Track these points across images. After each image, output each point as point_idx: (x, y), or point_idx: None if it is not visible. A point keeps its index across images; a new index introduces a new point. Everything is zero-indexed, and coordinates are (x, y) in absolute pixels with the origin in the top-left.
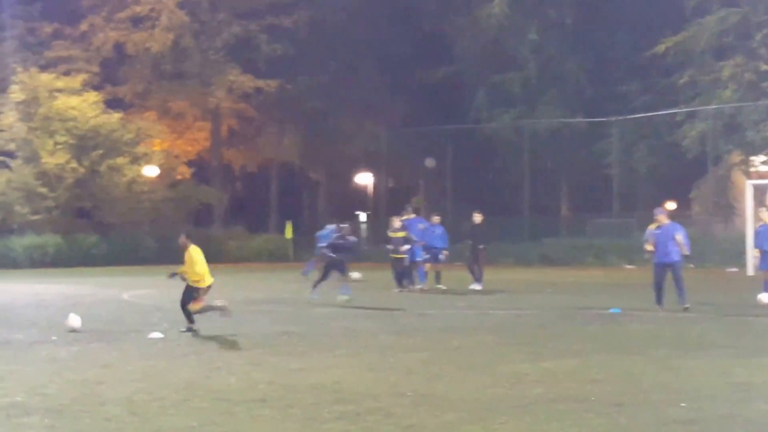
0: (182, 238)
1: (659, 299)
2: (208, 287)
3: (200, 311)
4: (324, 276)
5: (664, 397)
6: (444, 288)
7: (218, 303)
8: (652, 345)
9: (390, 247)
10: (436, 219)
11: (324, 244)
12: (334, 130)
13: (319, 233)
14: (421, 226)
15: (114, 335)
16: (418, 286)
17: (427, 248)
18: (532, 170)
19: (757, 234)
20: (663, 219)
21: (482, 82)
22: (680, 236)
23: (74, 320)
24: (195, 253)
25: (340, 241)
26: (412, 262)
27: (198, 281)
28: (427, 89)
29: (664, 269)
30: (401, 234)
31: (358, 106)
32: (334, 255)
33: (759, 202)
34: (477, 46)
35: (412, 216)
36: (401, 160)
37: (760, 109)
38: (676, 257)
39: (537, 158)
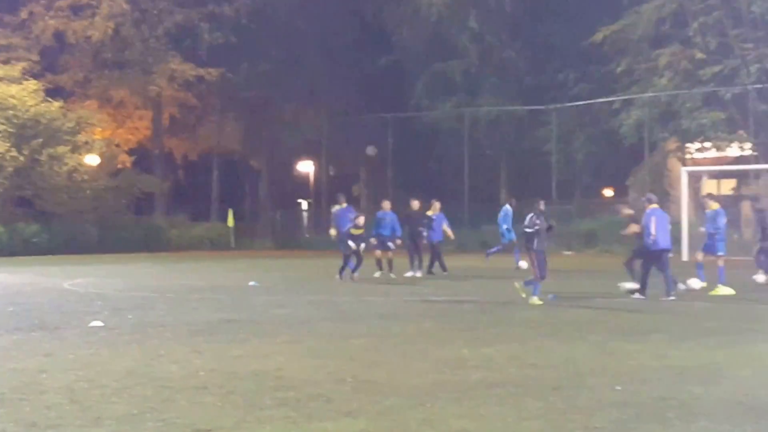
0: None
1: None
2: None
3: None
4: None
5: (600, 380)
6: (394, 276)
7: None
8: (590, 330)
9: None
10: (386, 205)
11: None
12: (275, 118)
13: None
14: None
15: (55, 324)
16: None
17: (377, 236)
18: (472, 158)
19: (706, 219)
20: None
21: (423, 70)
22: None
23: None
24: None
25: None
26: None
27: None
28: (368, 78)
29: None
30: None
31: (299, 94)
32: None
33: (694, 189)
34: (418, 35)
35: (344, 206)
36: (342, 148)
37: (696, 97)
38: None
39: (477, 146)
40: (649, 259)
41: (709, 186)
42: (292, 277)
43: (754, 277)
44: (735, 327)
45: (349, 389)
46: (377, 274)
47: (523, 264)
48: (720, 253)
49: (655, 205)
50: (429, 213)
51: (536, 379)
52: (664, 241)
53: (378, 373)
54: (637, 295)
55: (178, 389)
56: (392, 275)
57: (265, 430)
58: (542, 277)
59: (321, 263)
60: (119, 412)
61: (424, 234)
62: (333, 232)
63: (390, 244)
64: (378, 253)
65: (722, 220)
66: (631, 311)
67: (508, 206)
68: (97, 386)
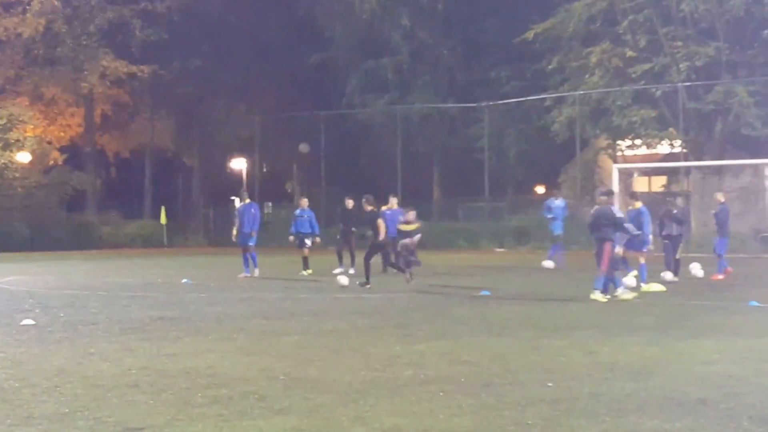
0: None
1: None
2: None
3: None
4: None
5: (531, 377)
6: (307, 273)
7: None
8: (521, 326)
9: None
10: (304, 203)
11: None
12: (207, 115)
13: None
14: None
15: None
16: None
17: (295, 234)
18: (404, 155)
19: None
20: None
21: (355, 67)
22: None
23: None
24: None
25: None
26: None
27: None
28: (300, 75)
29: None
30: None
31: (231, 91)
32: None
33: (625, 185)
34: (350, 32)
35: (247, 201)
36: (275, 145)
37: (626, 95)
38: None
39: (410, 143)
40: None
41: (639, 183)
42: (225, 275)
43: (662, 274)
44: (663, 323)
45: (281, 387)
46: (305, 273)
47: (549, 263)
48: (643, 251)
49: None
50: (384, 208)
51: (468, 375)
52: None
53: (310, 371)
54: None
55: (109, 387)
56: (305, 272)
57: (196, 428)
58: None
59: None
60: (50, 410)
61: (368, 234)
62: (235, 231)
63: (307, 241)
64: (306, 250)
65: (646, 219)
66: (561, 307)
67: (559, 200)
68: (28, 385)
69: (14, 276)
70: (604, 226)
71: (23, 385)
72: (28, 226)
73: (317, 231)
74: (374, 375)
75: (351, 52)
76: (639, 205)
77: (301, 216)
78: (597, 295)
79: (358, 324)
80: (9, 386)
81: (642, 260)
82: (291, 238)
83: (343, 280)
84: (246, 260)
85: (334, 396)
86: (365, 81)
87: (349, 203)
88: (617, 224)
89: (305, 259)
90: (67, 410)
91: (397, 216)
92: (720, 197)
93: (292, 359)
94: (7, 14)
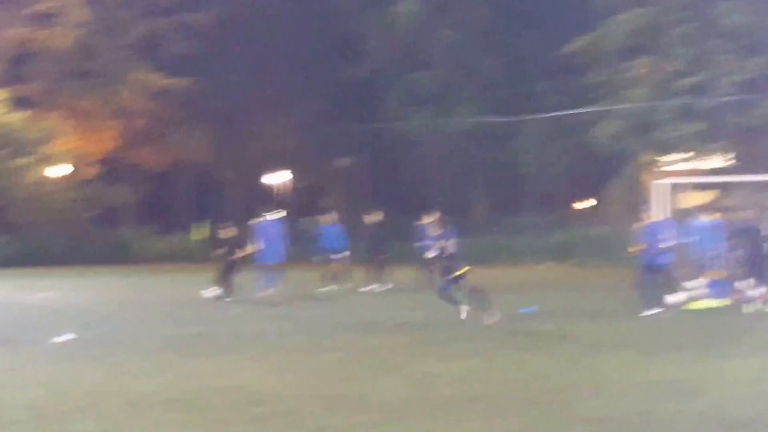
0: None
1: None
2: None
3: None
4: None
5: (574, 396)
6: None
7: None
8: (564, 344)
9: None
10: (332, 218)
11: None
12: (244, 129)
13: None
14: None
15: (19, 338)
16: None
17: (322, 249)
18: (446, 169)
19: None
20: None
21: (395, 81)
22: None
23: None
24: None
25: None
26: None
27: None
28: (339, 88)
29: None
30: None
31: (269, 105)
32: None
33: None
34: (390, 46)
35: (274, 218)
36: (313, 158)
37: (671, 109)
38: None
39: (451, 157)
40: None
41: (691, 198)
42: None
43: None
44: (705, 342)
45: (319, 405)
46: (335, 287)
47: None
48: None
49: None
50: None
51: (510, 394)
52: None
53: (350, 389)
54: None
55: (145, 406)
56: (324, 289)
57: None
58: None
59: (290, 276)
60: (84, 430)
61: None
62: (260, 245)
63: (334, 256)
64: (332, 266)
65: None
66: (603, 323)
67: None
68: (61, 403)
69: (48, 291)
70: None
71: (57, 403)
72: (63, 240)
73: (345, 245)
74: (413, 394)
75: (391, 65)
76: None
77: (328, 231)
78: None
79: (397, 341)
80: (42, 404)
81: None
82: (316, 257)
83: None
84: (270, 277)
85: (373, 415)
86: (405, 95)
87: (379, 217)
88: None
89: (334, 275)
90: (101, 430)
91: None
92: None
93: (331, 377)
94: (41, 27)
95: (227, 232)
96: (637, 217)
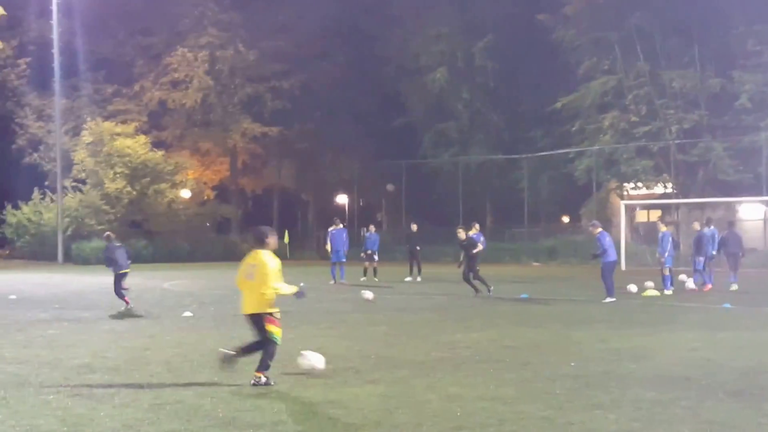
0: None
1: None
2: None
3: None
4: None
5: (558, 358)
6: (377, 280)
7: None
8: (551, 321)
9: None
10: (372, 228)
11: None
12: (319, 163)
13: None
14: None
15: (157, 314)
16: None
17: (365, 251)
18: (464, 193)
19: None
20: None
21: (428, 128)
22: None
23: (367, 294)
24: None
25: None
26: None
27: None
28: (388, 133)
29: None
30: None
31: (337, 146)
32: None
33: (630, 217)
34: (424, 102)
35: (340, 227)
36: (369, 185)
37: (630, 149)
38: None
39: (468, 184)
40: (606, 269)
41: (640, 215)
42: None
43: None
44: (654, 320)
45: (371, 363)
46: (362, 279)
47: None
48: (667, 265)
49: (600, 229)
50: (471, 233)
51: (511, 357)
52: (614, 255)
53: (393, 352)
54: (607, 299)
55: (245, 363)
56: (376, 279)
57: (310, 393)
58: None
59: (350, 270)
60: (203, 379)
61: (417, 249)
62: (328, 247)
63: (375, 256)
64: (366, 264)
65: (667, 240)
66: (580, 306)
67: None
68: (188, 360)
69: (178, 280)
70: None
71: (184, 360)
72: (188, 244)
73: (376, 248)
74: (441, 355)
75: (425, 116)
76: (664, 228)
77: (370, 238)
78: None
79: (429, 317)
80: (174, 361)
81: (666, 272)
82: (363, 254)
83: (368, 294)
84: (333, 271)
85: (411, 370)
86: (435, 138)
87: (414, 227)
88: None
89: (375, 269)
90: (216, 379)
91: (479, 239)
92: (696, 226)
93: (380, 343)
94: (175, 90)
95: None
96: (589, 229)
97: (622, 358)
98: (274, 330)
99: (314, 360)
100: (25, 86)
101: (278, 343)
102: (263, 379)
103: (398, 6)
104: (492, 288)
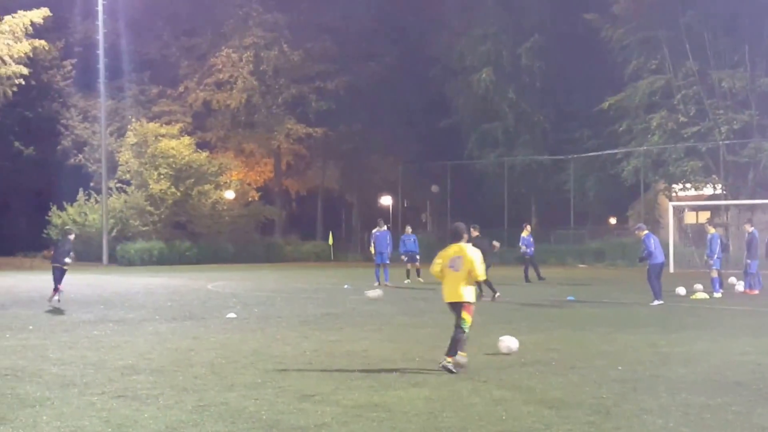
0: None
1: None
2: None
3: None
4: None
5: (606, 362)
6: (422, 281)
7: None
8: (597, 324)
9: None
10: (408, 230)
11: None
12: (363, 164)
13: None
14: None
15: (201, 315)
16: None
17: (405, 252)
18: (510, 194)
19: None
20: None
21: (474, 129)
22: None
23: (373, 293)
24: None
25: None
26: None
27: None
28: (433, 134)
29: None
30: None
31: (382, 147)
32: None
33: (678, 219)
34: (470, 103)
35: (384, 229)
36: (413, 186)
37: (679, 150)
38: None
39: (514, 186)
40: (652, 272)
41: (689, 217)
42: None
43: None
44: (707, 323)
45: (416, 366)
46: (406, 282)
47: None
48: (715, 267)
49: (646, 231)
50: (524, 234)
51: (557, 360)
52: (661, 257)
53: (438, 354)
54: (655, 302)
55: (290, 364)
56: (420, 279)
57: (354, 395)
58: None
59: (394, 272)
60: (247, 380)
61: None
62: (372, 249)
63: (416, 257)
64: (409, 264)
65: (716, 242)
66: (629, 310)
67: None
68: (231, 362)
69: (222, 282)
70: None
71: (228, 361)
72: (232, 245)
73: (417, 250)
74: (486, 358)
75: (470, 118)
76: (713, 231)
77: (408, 239)
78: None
79: (473, 320)
80: (218, 362)
81: (714, 275)
82: (402, 257)
83: (374, 293)
84: (377, 273)
85: (457, 374)
86: (481, 139)
87: (474, 232)
88: None
89: (418, 270)
90: (259, 381)
91: (529, 241)
92: (748, 227)
93: (425, 346)
94: (219, 91)
95: None
96: (635, 232)
97: (671, 362)
98: (467, 318)
99: (510, 343)
100: (71, 87)
101: (466, 331)
102: (451, 364)
103: (444, 6)
104: (498, 295)
